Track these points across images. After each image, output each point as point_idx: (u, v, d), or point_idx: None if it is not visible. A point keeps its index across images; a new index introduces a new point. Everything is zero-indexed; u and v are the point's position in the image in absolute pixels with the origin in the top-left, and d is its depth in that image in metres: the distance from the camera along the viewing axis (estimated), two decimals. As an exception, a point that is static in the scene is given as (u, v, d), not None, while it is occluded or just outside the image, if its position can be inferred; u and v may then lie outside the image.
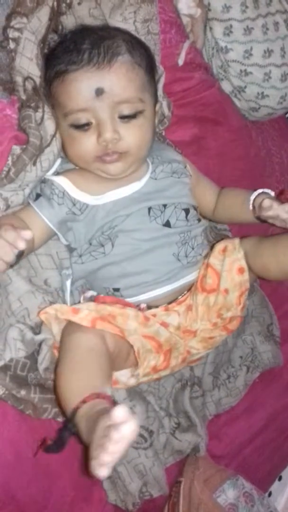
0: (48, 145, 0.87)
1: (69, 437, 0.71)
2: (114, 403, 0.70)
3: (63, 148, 0.90)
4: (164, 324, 0.92)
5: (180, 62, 1.12)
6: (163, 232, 0.92)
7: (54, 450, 0.72)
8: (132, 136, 0.86)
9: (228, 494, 1.05)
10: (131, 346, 0.85)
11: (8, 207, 0.87)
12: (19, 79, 0.86)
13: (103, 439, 0.58)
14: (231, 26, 1.19)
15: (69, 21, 0.94)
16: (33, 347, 0.85)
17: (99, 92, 0.82)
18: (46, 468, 0.88)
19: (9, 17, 0.85)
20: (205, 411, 1.10)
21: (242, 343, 1.17)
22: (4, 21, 0.85)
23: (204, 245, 0.99)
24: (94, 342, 0.80)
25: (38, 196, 0.89)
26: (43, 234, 0.90)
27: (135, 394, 0.95)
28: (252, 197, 0.98)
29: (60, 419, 0.89)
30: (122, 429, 0.57)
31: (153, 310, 0.92)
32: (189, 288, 0.97)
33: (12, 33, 0.85)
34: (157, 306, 0.93)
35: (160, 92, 1.02)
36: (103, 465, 0.57)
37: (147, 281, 0.91)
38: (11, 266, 0.79)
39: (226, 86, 1.26)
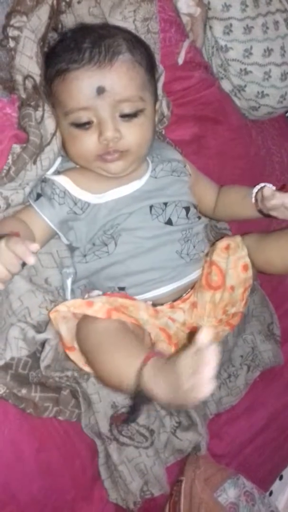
0: (48, 143, 0.87)
1: (144, 402, 0.74)
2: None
3: (64, 147, 0.90)
4: (171, 319, 0.94)
5: (180, 61, 1.12)
6: (165, 230, 0.92)
7: (133, 419, 0.78)
8: (133, 134, 0.86)
9: (229, 493, 1.05)
10: (144, 337, 0.86)
11: (8, 206, 0.87)
12: (19, 78, 0.86)
13: (196, 362, 0.64)
14: (231, 25, 1.19)
15: (68, 20, 0.94)
16: (35, 346, 0.85)
17: (100, 90, 0.82)
18: (47, 467, 0.88)
19: (9, 16, 0.85)
20: (206, 410, 1.10)
21: (243, 342, 1.17)
22: (4, 19, 0.85)
23: (204, 242, 1.00)
24: (116, 325, 0.81)
25: (38, 196, 0.89)
26: (45, 234, 0.90)
27: (136, 392, 0.95)
28: (255, 190, 0.98)
29: (61, 417, 0.89)
30: (211, 348, 0.63)
31: (158, 308, 0.92)
32: (192, 285, 0.97)
33: (12, 32, 0.85)
34: (162, 304, 0.93)
35: (159, 91, 1.02)
36: (206, 383, 0.62)
37: (152, 279, 0.91)
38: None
39: (226, 85, 1.26)
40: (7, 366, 0.83)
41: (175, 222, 0.93)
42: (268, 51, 1.23)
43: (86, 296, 0.91)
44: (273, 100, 1.28)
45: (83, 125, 0.84)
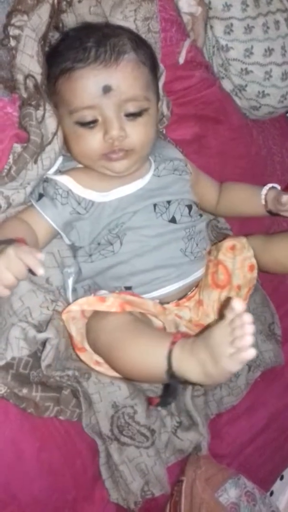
0: (49, 143, 0.87)
1: (177, 384, 0.74)
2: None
3: (67, 146, 0.90)
4: (178, 317, 0.95)
5: (181, 60, 1.12)
6: (170, 228, 0.92)
7: (168, 402, 0.78)
8: (137, 133, 0.86)
9: (230, 493, 1.04)
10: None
11: (9, 205, 0.87)
12: (20, 77, 0.86)
13: (234, 330, 0.65)
14: (231, 24, 1.19)
15: (69, 19, 0.94)
16: (36, 345, 0.85)
17: (107, 89, 0.82)
18: (47, 467, 0.88)
19: (9, 15, 0.85)
20: (207, 410, 1.09)
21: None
22: (4, 19, 0.85)
23: (206, 240, 1.00)
24: (131, 318, 0.81)
25: (40, 196, 0.89)
26: (47, 235, 0.90)
27: (137, 392, 0.95)
28: (264, 191, 1.02)
29: (62, 417, 0.89)
30: (246, 315, 0.65)
31: (164, 306, 0.93)
32: (197, 284, 0.98)
33: (12, 31, 0.85)
34: (168, 303, 0.94)
35: (160, 90, 1.02)
36: (247, 347, 0.64)
37: (158, 278, 0.91)
38: None
39: (226, 85, 1.26)
40: (8, 366, 0.83)
41: (179, 220, 0.93)
42: (269, 51, 1.23)
43: (91, 295, 0.91)
44: (274, 100, 1.28)
45: (88, 124, 0.84)
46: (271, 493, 1.31)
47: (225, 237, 1.15)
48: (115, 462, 0.93)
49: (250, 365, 1.15)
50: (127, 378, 0.89)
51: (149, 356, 0.76)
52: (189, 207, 0.95)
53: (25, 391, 0.84)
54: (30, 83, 0.86)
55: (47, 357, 0.84)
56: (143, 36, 0.98)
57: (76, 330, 0.86)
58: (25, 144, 0.84)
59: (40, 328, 0.86)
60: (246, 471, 1.13)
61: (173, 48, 1.10)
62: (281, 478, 1.35)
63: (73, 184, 0.89)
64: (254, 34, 1.21)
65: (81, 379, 0.90)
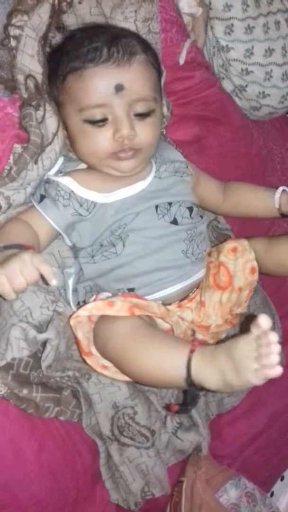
0: (50, 143, 0.87)
1: (196, 391, 0.75)
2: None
3: (73, 145, 0.90)
4: (181, 318, 0.95)
5: (181, 61, 1.12)
6: (171, 230, 0.92)
7: (188, 410, 0.79)
8: (146, 133, 0.87)
9: (230, 494, 1.04)
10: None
11: (9, 206, 0.87)
12: (20, 77, 0.86)
13: (260, 348, 0.66)
14: (232, 25, 1.19)
15: (70, 20, 0.94)
16: (36, 346, 0.85)
17: (119, 88, 0.83)
18: (48, 468, 0.88)
19: (10, 15, 0.85)
20: (207, 411, 1.09)
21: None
22: (5, 19, 0.85)
23: (206, 241, 1.01)
24: (141, 321, 0.82)
25: (42, 197, 0.89)
26: (48, 236, 0.91)
27: (137, 393, 0.95)
28: (277, 195, 1.04)
29: (62, 418, 0.89)
30: (272, 333, 0.66)
31: (167, 307, 0.92)
32: (198, 285, 0.99)
33: (13, 31, 0.85)
34: (169, 304, 0.94)
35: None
36: (274, 365, 0.65)
37: (160, 279, 0.91)
38: None
39: (227, 85, 1.27)
40: (8, 366, 0.83)
41: (180, 221, 0.93)
42: (269, 51, 1.23)
43: (93, 297, 0.91)
44: (274, 100, 1.29)
45: (97, 122, 0.85)
46: (272, 494, 1.30)
47: (225, 238, 1.16)
48: (115, 462, 0.94)
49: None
50: (139, 383, 0.89)
51: (167, 363, 0.76)
52: (190, 209, 0.96)
53: (25, 391, 0.84)
54: (30, 83, 0.86)
55: (48, 357, 0.84)
56: (144, 37, 0.98)
57: (83, 335, 0.86)
58: (25, 145, 0.84)
59: (40, 328, 0.86)
60: (247, 472, 1.13)
61: (173, 49, 1.10)
62: (282, 478, 1.35)
63: (75, 185, 0.89)
64: (255, 35, 1.21)
65: (81, 379, 0.90)
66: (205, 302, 0.99)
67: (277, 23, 1.24)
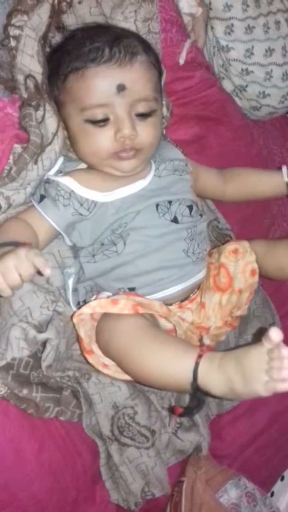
0: (50, 143, 0.87)
1: (201, 396, 0.75)
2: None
3: (74, 145, 0.90)
4: (181, 319, 0.95)
5: (181, 61, 1.12)
6: (172, 228, 0.92)
7: (193, 413, 0.79)
8: (147, 133, 0.87)
9: (231, 494, 1.04)
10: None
11: (9, 206, 0.87)
12: (20, 77, 0.86)
13: (271, 362, 0.67)
14: (232, 25, 1.19)
15: (70, 20, 0.94)
16: (36, 345, 0.85)
17: (121, 88, 0.83)
18: (48, 468, 0.88)
19: (9, 15, 0.85)
20: (207, 411, 1.09)
21: (244, 343, 1.17)
22: (5, 19, 0.85)
23: (206, 241, 1.00)
24: (145, 321, 0.82)
25: (42, 197, 0.89)
26: (48, 236, 0.91)
27: (137, 393, 0.95)
28: (285, 169, 1.07)
29: (62, 418, 0.89)
30: (285, 347, 0.66)
31: (168, 307, 0.93)
32: (198, 286, 0.99)
33: (12, 31, 0.85)
34: (170, 304, 0.94)
35: (161, 92, 1.02)
36: (285, 380, 0.66)
37: (162, 279, 0.91)
38: None
39: (227, 85, 1.26)
40: (8, 366, 0.83)
41: (181, 220, 0.93)
42: (270, 51, 1.23)
43: (94, 297, 0.91)
44: (274, 100, 1.28)
45: (99, 122, 0.85)
46: (272, 494, 1.30)
47: (225, 238, 1.16)
48: (115, 462, 0.93)
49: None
50: (141, 384, 0.89)
51: (174, 366, 0.76)
52: (190, 207, 0.95)
53: (25, 391, 0.84)
54: (30, 83, 0.86)
55: (48, 357, 0.84)
56: (144, 37, 0.98)
57: (85, 333, 0.86)
58: (25, 145, 0.84)
59: (40, 328, 0.86)
60: (247, 472, 1.13)
61: (173, 49, 1.10)
62: (282, 478, 1.34)
63: (75, 185, 0.89)
64: (255, 35, 1.21)
65: (81, 379, 0.90)
66: (205, 303, 0.99)
67: (277, 23, 1.24)
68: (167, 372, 0.77)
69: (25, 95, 0.87)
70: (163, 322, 0.88)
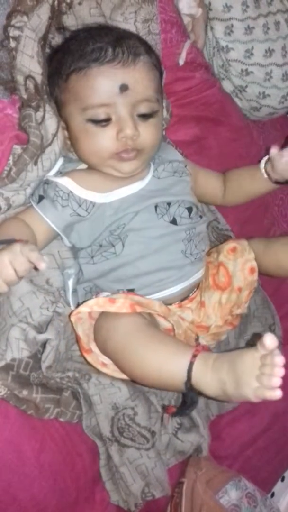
0: (49, 144, 0.87)
1: (194, 395, 0.75)
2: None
3: (74, 145, 0.90)
4: (181, 318, 0.95)
5: (181, 61, 1.12)
6: (171, 229, 0.92)
7: (186, 413, 0.80)
8: (149, 134, 0.87)
9: (231, 495, 1.04)
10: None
11: (9, 207, 0.87)
12: (20, 78, 0.86)
13: (264, 367, 0.66)
14: (232, 25, 1.19)
15: (69, 21, 0.94)
16: (36, 346, 0.85)
17: (123, 88, 0.83)
18: (48, 469, 0.88)
19: (9, 16, 0.85)
20: (208, 412, 1.09)
21: (244, 343, 1.17)
22: (4, 20, 0.85)
23: (205, 241, 1.00)
24: (142, 320, 0.82)
25: (41, 198, 0.89)
26: (46, 236, 0.91)
27: (137, 394, 0.94)
28: (262, 165, 1.02)
29: (62, 419, 0.89)
30: (279, 355, 0.65)
31: (168, 307, 0.93)
32: (198, 285, 0.99)
33: (12, 32, 0.85)
34: (170, 304, 0.94)
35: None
36: (275, 387, 0.65)
37: (161, 280, 0.91)
38: None
39: (227, 86, 1.26)
40: (8, 367, 0.83)
41: (179, 222, 0.93)
42: (269, 52, 1.23)
43: (93, 297, 0.91)
44: (274, 101, 1.28)
45: (101, 122, 0.85)
46: (272, 495, 1.30)
47: (225, 238, 1.16)
48: (115, 463, 0.93)
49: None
50: (136, 382, 0.89)
51: (168, 365, 0.76)
52: (189, 209, 0.95)
53: (25, 392, 0.84)
54: (30, 84, 0.86)
55: (47, 358, 0.84)
56: (144, 38, 0.98)
57: (83, 331, 0.86)
58: (25, 146, 0.84)
59: (40, 329, 0.86)
60: (247, 473, 1.13)
61: (173, 50, 1.10)
62: (282, 479, 1.34)
63: (74, 185, 0.89)
64: (255, 35, 1.21)
65: (81, 380, 0.90)
66: (205, 302, 0.99)
67: (277, 23, 1.24)
68: (162, 370, 0.77)
69: (25, 96, 0.87)
70: (161, 322, 0.88)
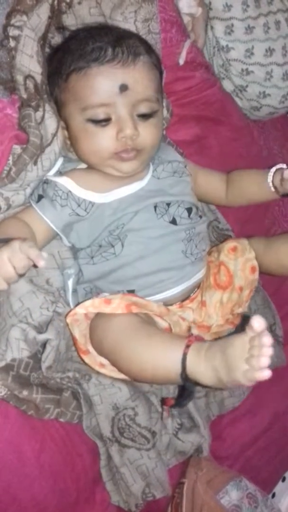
0: (49, 144, 0.87)
1: (193, 386, 0.75)
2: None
3: (74, 144, 0.90)
4: (182, 318, 0.95)
5: (181, 61, 1.12)
6: (170, 229, 0.92)
7: (184, 404, 0.80)
8: (149, 134, 0.87)
9: (232, 495, 1.04)
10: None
11: (9, 207, 0.87)
12: (19, 78, 0.86)
13: (252, 349, 0.66)
14: (232, 25, 1.19)
15: (69, 21, 0.94)
16: (36, 346, 0.85)
17: (123, 88, 0.83)
18: (48, 469, 0.88)
19: (9, 16, 0.85)
20: (208, 412, 1.09)
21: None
22: (4, 19, 0.85)
23: (205, 241, 1.00)
24: (137, 319, 0.82)
25: (40, 197, 0.89)
26: (46, 236, 0.90)
27: (138, 394, 0.94)
28: (270, 178, 0.98)
29: (62, 419, 0.89)
30: (266, 335, 0.65)
31: (168, 308, 0.92)
32: (198, 285, 0.99)
33: (12, 31, 0.85)
34: (171, 305, 0.94)
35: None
36: (264, 368, 0.64)
37: (162, 280, 0.91)
38: None
39: (227, 85, 1.26)
40: (8, 367, 0.83)
41: (179, 222, 0.93)
42: (270, 51, 1.23)
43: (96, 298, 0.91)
44: (274, 100, 1.28)
45: (101, 122, 0.85)
46: (273, 495, 1.30)
47: (226, 238, 1.15)
48: (116, 464, 0.93)
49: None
50: (134, 380, 0.89)
51: (162, 359, 0.76)
52: (189, 210, 0.95)
53: (25, 393, 0.83)
54: (30, 84, 0.86)
55: (48, 358, 0.84)
56: (144, 37, 0.98)
57: (80, 333, 0.86)
58: (25, 146, 0.84)
59: (40, 329, 0.86)
60: (248, 473, 1.13)
61: (173, 49, 1.09)
62: (283, 479, 1.34)
63: (73, 185, 0.89)
64: (255, 35, 1.21)
65: (81, 380, 0.90)
66: (206, 302, 0.99)
67: (277, 22, 1.24)
68: (158, 364, 0.77)
69: (24, 96, 0.86)
70: (159, 321, 0.88)
